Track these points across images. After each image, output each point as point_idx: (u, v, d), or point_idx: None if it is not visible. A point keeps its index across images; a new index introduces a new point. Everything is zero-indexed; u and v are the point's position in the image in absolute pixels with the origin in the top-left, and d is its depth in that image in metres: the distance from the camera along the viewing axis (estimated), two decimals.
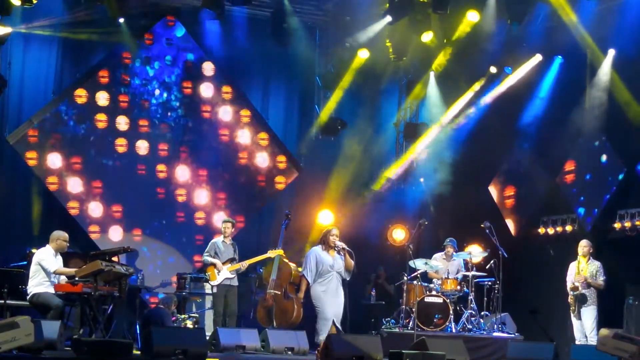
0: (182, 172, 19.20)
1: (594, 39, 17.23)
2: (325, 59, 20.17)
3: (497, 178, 19.86)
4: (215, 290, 15.17)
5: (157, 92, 19.13)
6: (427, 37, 18.75)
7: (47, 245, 13.47)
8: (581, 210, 17.92)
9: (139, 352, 12.20)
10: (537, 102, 18.55)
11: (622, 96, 17.06)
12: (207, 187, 19.38)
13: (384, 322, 16.61)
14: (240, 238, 15.72)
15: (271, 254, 15.42)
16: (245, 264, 15.33)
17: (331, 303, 14.00)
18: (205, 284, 16.42)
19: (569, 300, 14.96)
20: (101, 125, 18.68)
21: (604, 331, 11.21)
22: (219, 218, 19.00)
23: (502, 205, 19.73)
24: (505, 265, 16.16)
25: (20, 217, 17.61)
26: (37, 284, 13.20)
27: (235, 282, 15.26)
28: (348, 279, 14.34)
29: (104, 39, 18.59)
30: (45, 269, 13.18)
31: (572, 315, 14.96)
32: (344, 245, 14.23)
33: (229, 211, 19.17)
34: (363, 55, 19.52)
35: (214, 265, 15.10)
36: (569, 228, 17.94)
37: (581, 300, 14.83)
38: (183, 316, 15.86)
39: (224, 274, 15.07)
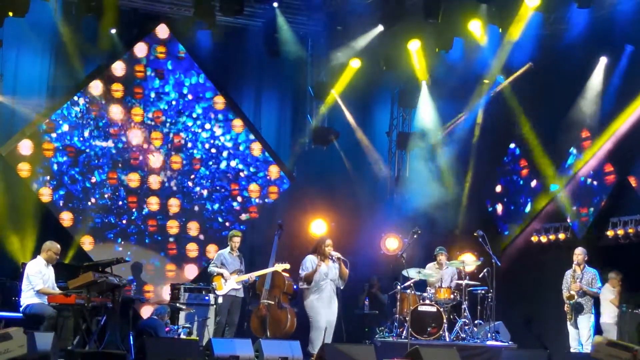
0: (174, 181, 19.17)
1: (585, 46, 17.26)
2: (317, 69, 20.18)
3: (492, 187, 19.88)
4: (220, 300, 15.15)
5: (149, 101, 19.12)
6: (415, 45, 18.86)
7: (39, 257, 13.48)
8: (574, 218, 17.94)
9: None
10: (531, 111, 18.54)
11: (612, 104, 17.11)
12: (200, 196, 19.34)
13: (378, 331, 16.59)
14: None
15: (278, 267, 15.41)
16: (253, 275, 15.33)
17: (325, 312, 14.03)
18: (200, 294, 16.39)
19: (566, 309, 14.95)
20: (93, 134, 18.68)
21: (598, 338, 11.22)
22: (212, 228, 19.06)
23: (496, 213, 19.76)
24: (499, 274, 16.17)
25: (14, 228, 17.55)
26: (30, 296, 13.19)
27: (241, 294, 15.27)
28: (342, 287, 14.43)
29: (95, 50, 18.60)
30: (32, 285, 13.17)
31: (568, 323, 14.95)
32: (339, 255, 14.30)
33: (221, 222, 19.19)
34: (355, 64, 19.56)
35: (221, 275, 15.08)
36: (562, 236, 17.95)
37: (577, 308, 14.82)
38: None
39: (230, 284, 15.06)
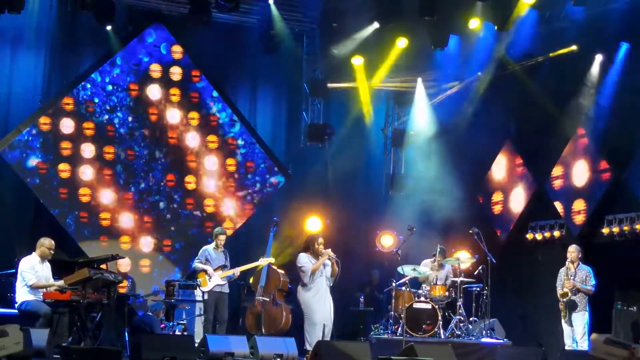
0: (169, 179, 19.17)
1: (581, 43, 17.28)
2: (312, 66, 20.17)
3: (486, 184, 19.88)
4: (206, 296, 15.15)
5: (144, 98, 19.11)
6: (411, 42, 18.89)
7: (33, 253, 13.48)
8: (569, 216, 17.94)
9: None
10: (526, 108, 18.53)
11: (608, 101, 17.12)
12: (195, 193, 19.34)
13: (373, 328, 16.62)
14: (229, 245, 15.71)
15: (263, 261, 15.43)
16: (237, 271, 15.33)
17: (320, 309, 14.10)
18: (194, 290, 16.38)
19: (560, 306, 14.97)
20: (89, 132, 18.64)
21: (595, 336, 11.21)
22: (208, 224, 19.05)
23: (491, 211, 19.76)
24: (494, 271, 16.19)
25: (9, 224, 17.55)
26: (25, 292, 13.21)
27: (226, 289, 15.25)
28: (331, 285, 14.46)
29: (91, 47, 18.62)
30: (25, 281, 13.16)
31: (563, 321, 14.96)
32: (332, 254, 14.33)
33: (216, 218, 19.20)
34: (353, 61, 19.57)
35: (205, 271, 15.07)
36: (557, 233, 17.94)
37: (571, 306, 14.84)
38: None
39: (215, 280, 15.05)
